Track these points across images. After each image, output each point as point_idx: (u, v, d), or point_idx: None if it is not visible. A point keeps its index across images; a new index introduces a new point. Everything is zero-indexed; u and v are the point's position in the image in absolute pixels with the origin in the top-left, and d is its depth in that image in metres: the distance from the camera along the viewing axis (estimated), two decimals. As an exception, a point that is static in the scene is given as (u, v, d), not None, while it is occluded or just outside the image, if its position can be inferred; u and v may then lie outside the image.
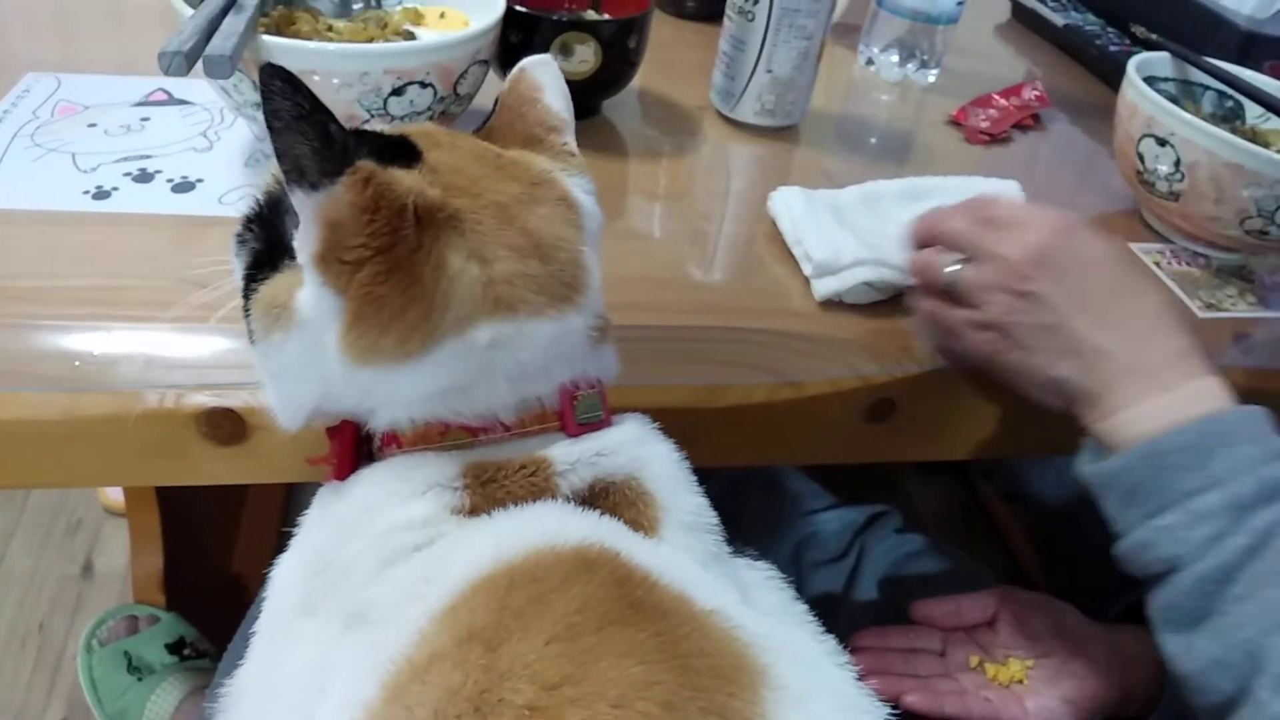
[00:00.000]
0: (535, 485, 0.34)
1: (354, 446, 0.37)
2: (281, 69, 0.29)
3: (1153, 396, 0.43)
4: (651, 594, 0.31)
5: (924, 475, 1.27)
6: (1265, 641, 0.39)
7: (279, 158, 0.30)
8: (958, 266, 0.49)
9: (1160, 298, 0.46)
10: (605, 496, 0.35)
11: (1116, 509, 0.44)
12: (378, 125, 0.53)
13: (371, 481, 0.36)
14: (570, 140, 0.40)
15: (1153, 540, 0.42)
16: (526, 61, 0.41)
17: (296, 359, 0.34)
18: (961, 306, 0.49)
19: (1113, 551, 0.45)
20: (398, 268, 0.31)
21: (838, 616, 0.71)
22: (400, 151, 0.33)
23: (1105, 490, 0.44)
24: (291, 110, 0.29)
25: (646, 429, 0.38)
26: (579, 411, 0.36)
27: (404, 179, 0.32)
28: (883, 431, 0.55)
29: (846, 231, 0.58)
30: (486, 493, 0.34)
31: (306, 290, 0.33)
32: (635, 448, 0.37)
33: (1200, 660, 0.41)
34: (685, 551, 0.35)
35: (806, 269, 0.57)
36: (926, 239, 0.52)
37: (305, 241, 0.32)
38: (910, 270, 0.52)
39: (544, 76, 0.40)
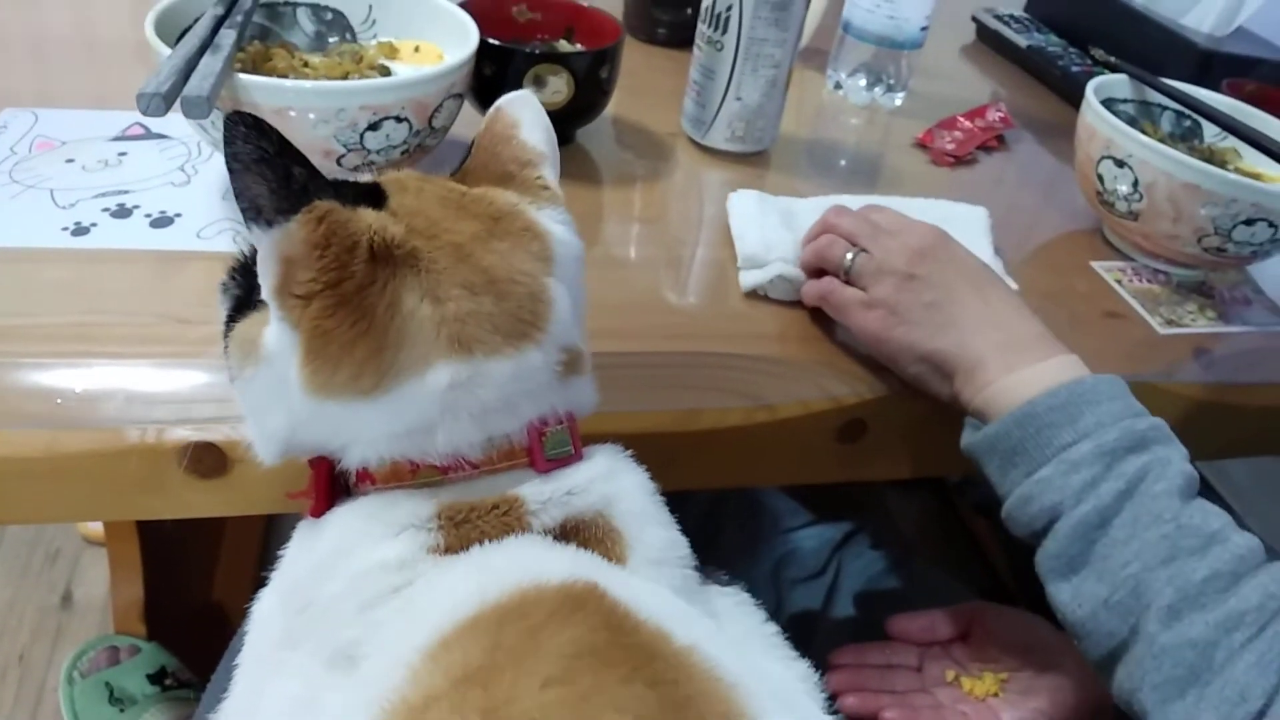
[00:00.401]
0: (508, 525, 0.35)
1: (328, 483, 0.37)
2: (248, 115, 0.30)
3: (1024, 368, 0.48)
4: (637, 632, 0.31)
5: (903, 490, 1.28)
6: (1148, 576, 0.42)
7: (237, 197, 0.31)
8: (852, 254, 0.54)
9: (1017, 295, 0.53)
10: (576, 533, 0.36)
11: (999, 473, 0.48)
12: (354, 159, 0.54)
13: (346, 521, 0.36)
14: (547, 172, 0.40)
15: (1033, 493, 0.46)
16: (504, 99, 0.41)
17: (266, 393, 0.35)
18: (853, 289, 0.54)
19: (1001, 516, 0.49)
20: (345, 303, 0.32)
21: (816, 633, 0.72)
22: (368, 196, 0.34)
23: (988, 457, 0.49)
24: (252, 153, 0.30)
25: (617, 461, 0.39)
26: (548, 447, 0.36)
27: (363, 217, 0.33)
28: (855, 451, 0.56)
29: (787, 232, 0.61)
30: (460, 533, 0.34)
31: (270, 326, 0.34)
32: (604, 484, 0.37)
33: (1089, 604, 0.44)
34: (660, 583, 0.36)
35: (739, 261, 0.60)
36: (821, 232, 0.58)
37: (264, 277, 0.33)
38: (811, 254, 0.57)
39: (521, 113, 0.41)
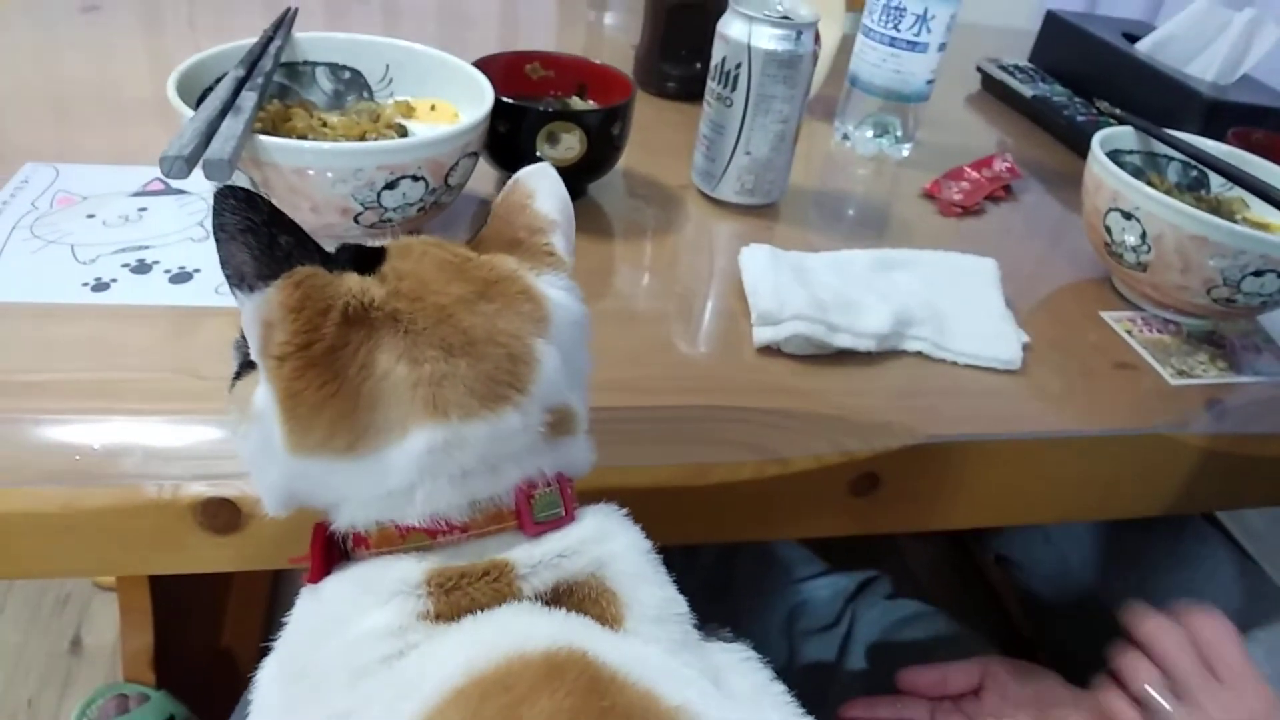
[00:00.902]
0: (499, 591, 0.34)
1: (324, 549, 0.37)
2: (240, 189, 0.31)
3: None
4: (621, 696, 0.31)
5: (917, 538, 1.27)
6: None
7: (222, 265, 0.32)
8: (1164, 703, 0.49)
9: None
10: (569, 595, 0.35)
11: None
12: (371, 217, 0.55)
13: (339, 588, 0.36)
14: (556, 240, 0.40)
15: None
16: (522, 171, 0.42)
17: (260, 449, 0.36)
18: None
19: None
20: (314, 364, 0.33)
21: (830, 686, 0.71)
22: (363, 260, 0.35)
23: None
24: (238, 224, 0.31)
25: (611, 521, 0.38)
26: (536, 510, 0.36)
27: (344, 281, 0.33)
28: (867, 505, 0.56)
29: (801, 288, 0.61)
30: (451, 599, 0.34)
31: (260, 386, 0.35)
32: (597, 546, 0.36)
33: None
34: (652, 642, 0.35)
35: (752, 318, 0.60)
36: (1141, 641, 0.51)
37: (250, 340, 0.34)
38: (1117, 668, 0.52)
39: (537, 183, 0.41)
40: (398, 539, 0.35)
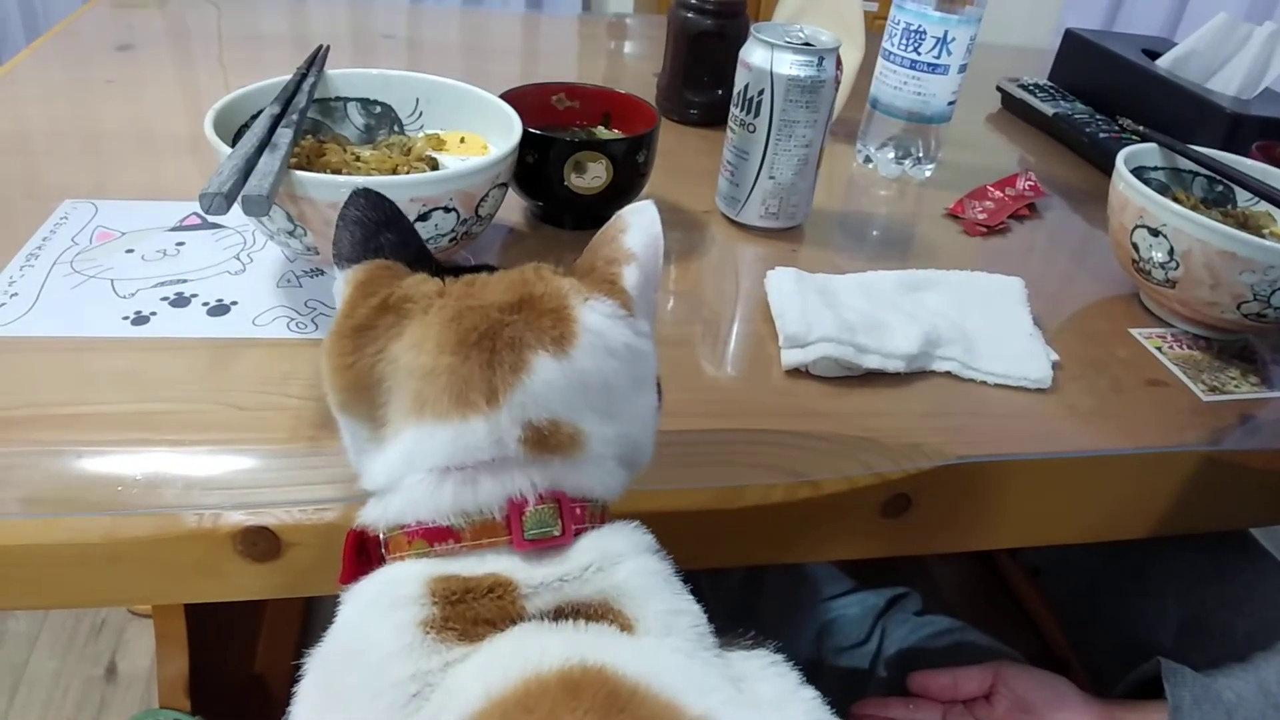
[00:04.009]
0: (503, 609, 0.34)
1: (354, 552, 0.38)
2: (372, 192, 0.40)
3: None
4: (642, 708, 0.31)
5: (945, 554, 1.26)
6: None
7: (333, 244, 0.39)
8: None
9: None
10: (576, 615, 0.35)
11: None
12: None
13: (359, 594, 0.36)
14: (626, 272, 0.40)
15: None
16: (626, 208, 0.42)
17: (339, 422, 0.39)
18: None
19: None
20: (345, 336, 0.37)
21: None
22: (446, 272, 0.39)
23: None
24: (354, 215, 0.39)
25: (618, 543, 0.37)
26: (527, 527, 0.36)
27: (409, 278, 0.38)
28: (900, 526, 0.56)
29: (828, 310, 0.61)
30: (456, 611, 0.34)
31: None
32: (600, 574, 0.36)
33: None
34: (667, 650, 0.35)
35: (780, 340, 0.60)
36: None
37: (336, 305, 0.39)
38: None
39: (632, 219, 0.42)
40: (406, 545, 0.36)
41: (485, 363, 0.36)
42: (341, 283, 0.38)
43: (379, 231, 0.39)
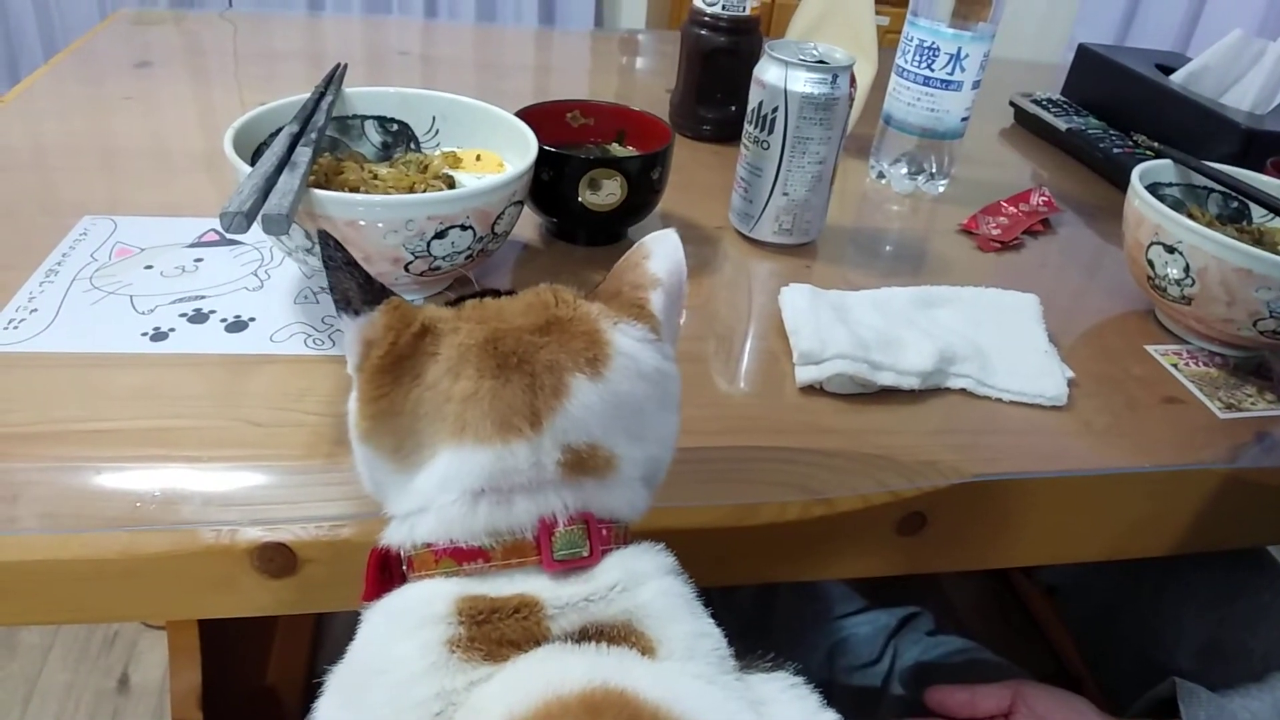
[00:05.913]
0: (528, 630, 0.34)
1: (377, 569, 0.38)
2: (331, 235, 0.38)
3: None
4: None
5: (959, 573, 1.25)
6: None
7: (332, 291, 0.37)
8: None
9: None
10: (599, 635, 0.35)
11: None
12: (421, 265, 0.56)
13: (381, 612, 0.37)
14: (653, 296, 0.40)
15: None
16: (649, 235, 0.43)
17: (357, 454, 0.39)
18: None
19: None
20: (384, 369, 0.36)
21: (875, 724, 0.70)
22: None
23: None
24: (344, 258, 0.37)
25: (642, 564, 0.38)
26: (556, 548, 0.36)
27: (427, 309, 0.38)
28: (914, 544, 0.56)
29: (841, 326, 0.61)
30: (482, 631, 0.34)
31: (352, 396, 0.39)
32: (625, 594, 0.36)
33: None
34: (688, 675, 0.35)
35: (794, 357, 0.60)
36: None
37: (349, 357, 0.38)
38: None
39: (655, 246, 0.42)
40: (433, 563, 0.36)
41: (526, 386, 0.36)
42: (365, 328, 0.37)
43: (366, 272, 0.38)
